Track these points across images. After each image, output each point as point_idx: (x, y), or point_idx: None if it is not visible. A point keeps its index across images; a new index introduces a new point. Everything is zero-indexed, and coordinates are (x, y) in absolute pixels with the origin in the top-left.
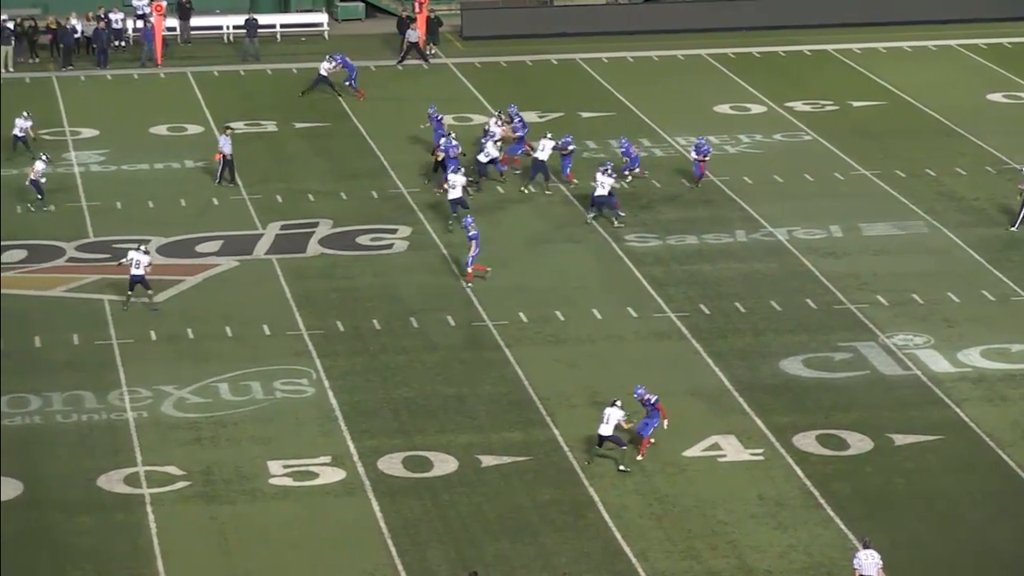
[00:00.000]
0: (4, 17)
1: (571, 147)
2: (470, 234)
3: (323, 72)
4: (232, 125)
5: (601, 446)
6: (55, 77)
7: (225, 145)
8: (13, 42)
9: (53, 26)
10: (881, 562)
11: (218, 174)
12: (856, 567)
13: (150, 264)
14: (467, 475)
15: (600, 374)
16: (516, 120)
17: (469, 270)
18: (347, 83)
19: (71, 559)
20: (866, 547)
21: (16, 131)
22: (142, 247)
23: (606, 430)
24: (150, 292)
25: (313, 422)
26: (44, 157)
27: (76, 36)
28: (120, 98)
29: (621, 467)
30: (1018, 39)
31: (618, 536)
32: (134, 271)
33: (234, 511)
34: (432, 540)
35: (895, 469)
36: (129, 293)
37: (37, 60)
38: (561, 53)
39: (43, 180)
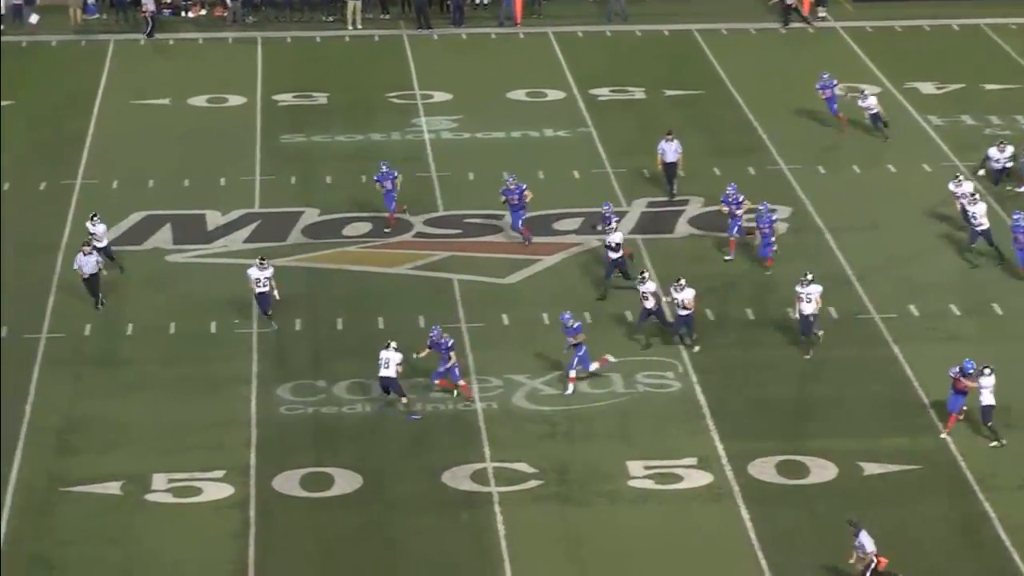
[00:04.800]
0: None
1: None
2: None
3: None
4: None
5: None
6: (406, 36)
7: (670, 153)
8: None
9: None
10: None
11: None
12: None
13: (271, 279)
14: (847, 483)
15: (1007, 377)
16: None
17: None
18: None
19: (410, 560)
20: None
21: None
22: (261, 259)
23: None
24: (269, 313)
25: (678, 420)
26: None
27: None
28: (475, 60)
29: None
30: None
31: (1016, 558)
32: (259, 289)
33: (589, 515)
34: (806, 554)
35: None
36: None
37: (387, 17)
38: (964, 18)
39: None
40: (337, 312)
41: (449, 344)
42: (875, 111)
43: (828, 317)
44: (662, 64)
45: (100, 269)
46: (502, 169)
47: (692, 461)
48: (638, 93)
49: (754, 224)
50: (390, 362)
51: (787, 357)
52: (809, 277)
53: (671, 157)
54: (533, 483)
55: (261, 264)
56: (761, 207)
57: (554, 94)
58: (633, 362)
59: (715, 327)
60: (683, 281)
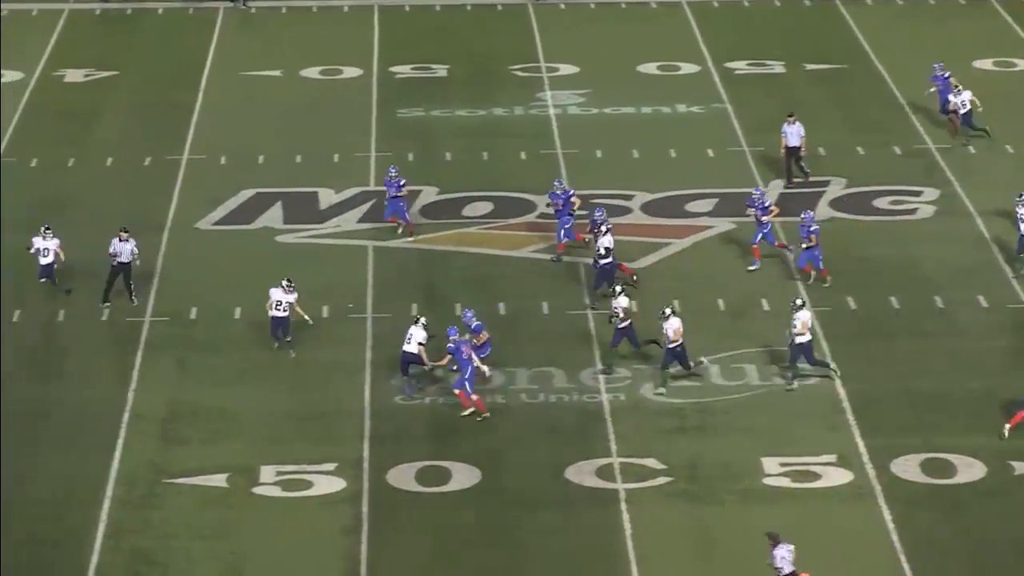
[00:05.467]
0: None
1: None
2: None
3: None
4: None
5: None
6: (530, 5)
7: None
8: None
9: None
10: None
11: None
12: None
13: (293, 302)
14: (996, 484)
15: None
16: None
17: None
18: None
19: (532, 560)
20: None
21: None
22: (288, 281)
23: None
24: (289, 339)
25: (816, 414)
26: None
27: None
28: (604, 30)
29: None
30: None
31: None
32: (275, 313)
33: (721, 513)
34: (951, 559)
35: None
36: (275, 340)
37: None
38: None
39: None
40: (456, 297)
41: (462, 345)
42: (967, 110)
43: (977, 305)
44: (802, 36)
45: (135, 259)
46: (632, 147)
47: (831, 458)
48: (777, 67)
49: (782, 240)
50: (412, 338)
51: (933, 348)
52: (799, 302)
53: (794, 141)
54: (662, 480)
55: (288, 287)
56: (804, 216)
57: (687, 67)
58: (769, 352)
59: (857, 316)
60: (668, 310)
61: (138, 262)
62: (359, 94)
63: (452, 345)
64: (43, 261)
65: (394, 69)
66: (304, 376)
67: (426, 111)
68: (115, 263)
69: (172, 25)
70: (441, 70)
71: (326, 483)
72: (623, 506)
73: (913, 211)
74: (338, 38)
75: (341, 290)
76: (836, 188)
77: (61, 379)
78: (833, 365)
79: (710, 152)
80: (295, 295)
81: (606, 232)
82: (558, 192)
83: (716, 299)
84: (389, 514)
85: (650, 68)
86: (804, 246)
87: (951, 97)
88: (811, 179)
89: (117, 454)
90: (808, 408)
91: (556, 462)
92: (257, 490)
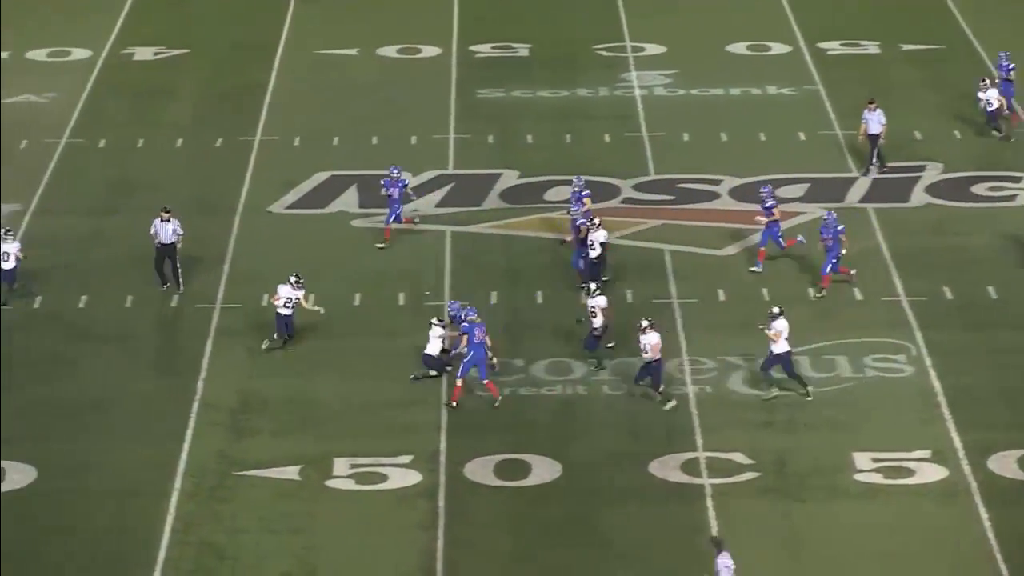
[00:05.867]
0: None
1: None
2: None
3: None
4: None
5: None
6: None
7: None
8: None
9: None
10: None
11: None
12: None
13: (301, 298)
14: None
15: None
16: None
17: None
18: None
19: (614, 557)
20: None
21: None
22: (297, 277)
23: None
24: (290, 337)
25: (910, 408)
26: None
27: None
28: (692, 9)
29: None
30: None
31: None
32: (281, 310)
33: (810, 510)
34: None
35: None
36: (275, 338)
37: None
38: None
39: None
40: (537, 285)
41: (476, 328)
42: (995, 107)
43: None
44: (899, 15)
45: (178, 240)
46: (720, 130)
47: (925, 454)
48: (871, 47)
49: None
50: (432, 337)
51: None
52: (775, 311)
53: (874, 128)
54: (749, 475)
55: (297, 283)
56: (826, 216)
57: (778, 47)
58: (861, 344)
59: (954, 307)
60: (645, 323)
61: (179, 244)
62: (438, 74)
63: (466, 326)
64: (5, 266)
65: (474, 48)
66: (379, 365)
67: (507, 92)
68: (158, 244)
69: (245, 1)
70: (523, 49)
71: (401, 476)
72: (709, 502)
73: (1012, 197)
74: (416, 16)
75: (417, 277)
76: (932, 174)
77: (129, 367)
78: (808, 388)
79: (801, 136)
80: (303, 291)
81: (599, 227)
82: (575, 190)
83: (806, 288)
84: (466, 509)
85: (739, 48)
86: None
87: (980, 94)
88: (886, 169)
89: (186, 445)
90: (901, 401)
91: (640, 456)
92: (330, 483)
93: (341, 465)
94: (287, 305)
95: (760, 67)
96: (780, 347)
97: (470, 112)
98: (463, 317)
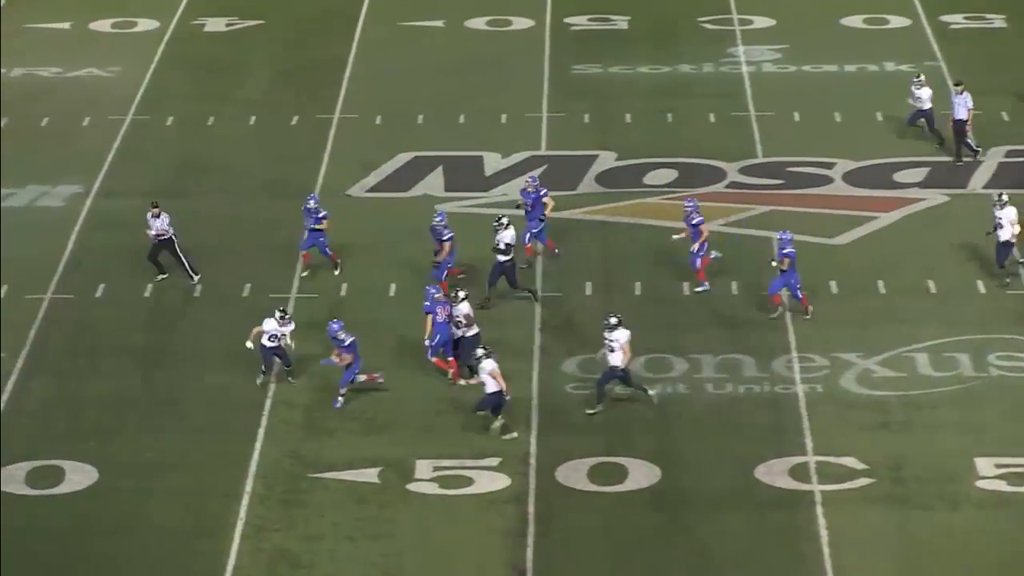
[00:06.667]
0: None
1: None
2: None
3: None
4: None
5: None
6: None
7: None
8: None
9: None
10: None
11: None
12: None
13: (290, 333)
14: None
15: None
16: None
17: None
18: None
19: (717, 566)
20: None
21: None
22: (282, 311)
23: None
24: (289, 368)
25: None
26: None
27: None
28: None
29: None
30: None
31: None
32: (266, 342)
33: (928, 520)
34: None
35: None
36: (263, 371)
37: None
38: None
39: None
40: (635, 275)
41: (347, 342)
42: (927, 108)
43: None
44: None
45: (166, 233)
46: (833, 109)
47: None
48: (998, 21)
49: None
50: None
51: None
52: (612, 321)
53: (960, 114)
54: (863, 481)
55: (282, 318)
56: (781, 235)
57: (897, 20)
58: (985, 341)
59: None
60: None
61: (173, 235)
62: (530, 47)
63: (427, 305)
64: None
65: (569, 20)
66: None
67: (604, 67)
68: (154, 239)
69: None
70: (621, 21)
71: (488, 480)
72: (819, 510)
73: None
74: None
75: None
76: None
77: (196, 361)
78: (653, 392)
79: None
80: (291, 326)
81: (508, 226)
82: (529, 190)
83: (925, 280)
84: (558, 515)
85: (855, 21)
86: (777, 267)
87: (913, 89)
88: (981, 157)
89: (258, 445)
90: None
91: (744, 460)
92: (412, 487)
93: (424, 467)
94: (271, 339)
95: (877, 41)
96: (620, 359)
97: (564, 89)
98: (343, 340)
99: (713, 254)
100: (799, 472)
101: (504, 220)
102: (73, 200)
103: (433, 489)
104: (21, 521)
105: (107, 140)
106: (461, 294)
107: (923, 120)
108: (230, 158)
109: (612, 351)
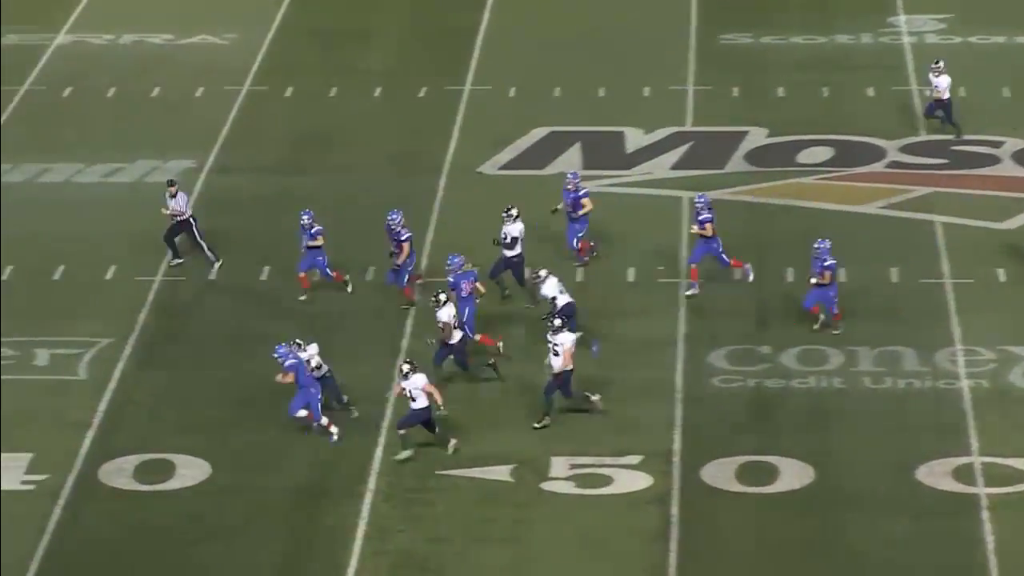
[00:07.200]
0: None
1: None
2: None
3: None
4: None
5: None
6: None
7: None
8: None
9: None
10: None
11: None
12: None
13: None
14: None
15: None
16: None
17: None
18: None
19: (872, 574)
20: None
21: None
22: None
23: None
24: (346, 399)
25: None
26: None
27: None
28: None
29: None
30: None
31: None
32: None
33: None
34: None
35: None
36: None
37: None
38: None
39: None
40: (786, 260)
41: (463, 281)
42: (946, 98)
43: None
44: None
45: (179, 214)
46: (1002, 84)
47: None
48: None
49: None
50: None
51: None
52: (556, 323)
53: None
54: None
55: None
56: (819, 245)
57: None
58: None
59: None
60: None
61: (192, 217)
62: (675, 15)
63: (452, 280)
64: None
65: None
66: (604, 352)
67: (755, 37)
68: (173, 221)
69: None
70: None
71: (629, 479)
72: (984, 515)
73: None
74: None
75: (649, 250)
76: None
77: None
78: (596, 397)
79: None
80: (314, 349)
81: (516, 219)
82: (569, 188)
83: None
84: (704, 518)
85: None
86: (814, 282)
87: (932, 76)
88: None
89: (381, 439)
90: None
91: (904, 460)
92: (546, 486)
93: (560, 465)
94: (319, 368)
95: None
96: (563, 364)
97: (712, 60)
98: (289, 358)
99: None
100: (963, 474)
101: (513, 212)
102: (185, 176)
103: (569, 488)
104: (130, 518)
105: (222, 112)
106: (443, 297)
107: (941, 112)
108: (353, 133)
109: (556, 355)
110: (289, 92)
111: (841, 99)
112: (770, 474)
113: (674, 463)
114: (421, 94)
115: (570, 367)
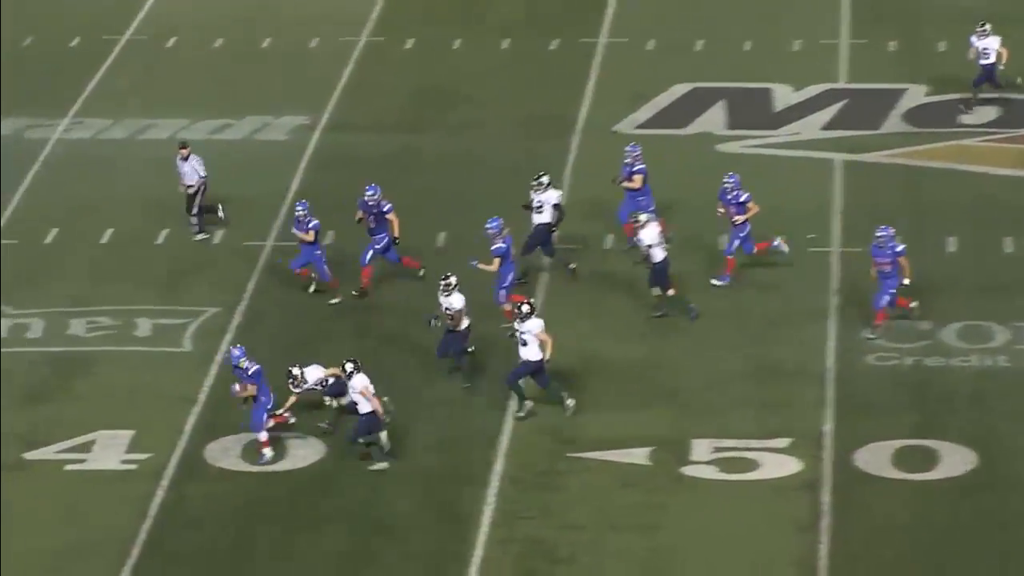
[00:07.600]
0: None
1: None
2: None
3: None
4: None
5: None
6: None
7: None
8: None
9: None
10: None
11: None
12: None
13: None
14: None
15: None
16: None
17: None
18: None
19: None
20: None
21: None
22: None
23: None
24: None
25: None
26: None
27: None
28: None
29: None
30: None
31: None
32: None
33: None
34: None
35: None
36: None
37: None
38: None
39: None
40: (947, 228)
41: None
42: (991, 61)
43: None
44: None
45: (196, 181)
46: None
47: None
48: None
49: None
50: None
51: None
52: (524, 309)
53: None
54: None
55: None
56: (882, 232)
57: None
58: None
59: None
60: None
61: (203, 186)
62: None
63: (502, 246)
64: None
65: None
66: (749, 327)
67: None
68: (183, 188)
69: None
70: None
71: (777, 464)
72: None
73: None
74: None
75: (798, 217)
76: None
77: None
78: (566, 394)
79: None
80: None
81: (548, 187)
82: (628, 161)
83: None
84: (857, 506)
85: None
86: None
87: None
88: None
89: (508, 418)
90: None
91: None
92: (687, 470)
93: (701, 448)
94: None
95: None
96: (535, 353)
97: (868, 11)
98: (246, 369)
99: (776, 241)
100: None
101: (544, 180)
102: (298, 133)
103: (712, 473)
104: (238, 500)
105: (337, 66)
106: (453, 281)
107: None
108: (478, 88)
109: (524, 344)
110: (409, 44)
111: (1012, 55)
112: (930, 459)
113: (825, 447)
114: (552, 47)
115: (543, 356)
